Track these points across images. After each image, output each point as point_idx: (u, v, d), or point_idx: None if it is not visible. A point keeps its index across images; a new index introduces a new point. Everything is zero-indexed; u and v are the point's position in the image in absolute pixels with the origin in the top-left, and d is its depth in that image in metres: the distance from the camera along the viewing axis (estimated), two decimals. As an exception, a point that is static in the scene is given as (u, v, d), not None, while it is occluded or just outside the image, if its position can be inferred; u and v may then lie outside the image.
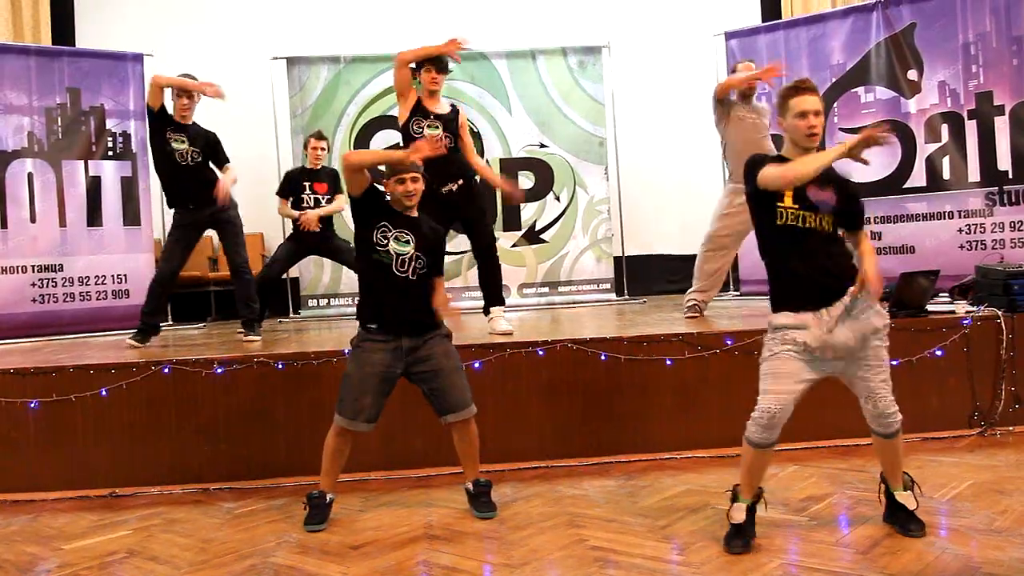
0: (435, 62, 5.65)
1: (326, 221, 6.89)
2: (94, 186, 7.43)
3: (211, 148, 6.23)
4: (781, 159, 3.55)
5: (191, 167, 6.13)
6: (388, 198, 4.15)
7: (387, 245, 4.01)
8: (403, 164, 4.02)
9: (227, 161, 6.33)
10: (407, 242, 4.03)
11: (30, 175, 7.18)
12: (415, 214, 4.14)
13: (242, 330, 6.30)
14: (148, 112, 6.12)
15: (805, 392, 3.45)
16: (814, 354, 3.42)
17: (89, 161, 7.43)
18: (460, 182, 5.70)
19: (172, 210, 6.28)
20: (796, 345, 3.41)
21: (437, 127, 5.63)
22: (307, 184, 6.92)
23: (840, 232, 3.54)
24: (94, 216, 7.40)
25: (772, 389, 3.41)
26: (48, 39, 8.73)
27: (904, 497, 3.57)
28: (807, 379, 3.44)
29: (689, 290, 6.49)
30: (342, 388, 4.04)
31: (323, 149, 7.04)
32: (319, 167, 6.98)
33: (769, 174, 3.43)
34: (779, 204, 3.44)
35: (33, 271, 7.14)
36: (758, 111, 6.24)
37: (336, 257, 7.10)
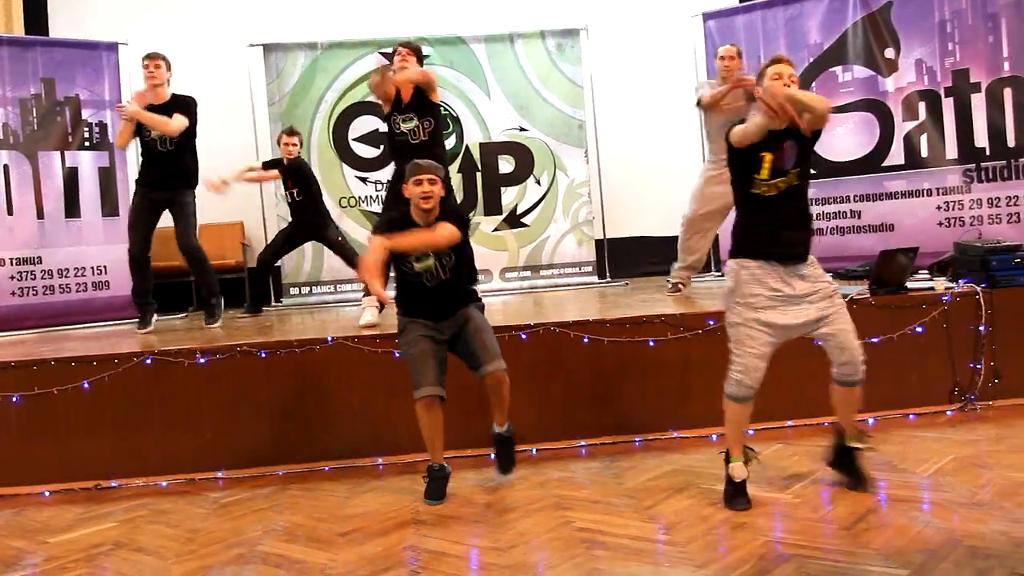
0: (415, 49, 5.78)
1: (321, 211, 7.13)
2: (71, 177, 7.36)
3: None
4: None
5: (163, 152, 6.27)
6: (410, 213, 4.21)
7: (412, 266, 4.16)
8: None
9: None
10: (427, 256, 4.15)
11: (6, 167, 7.10)
12: (434, 217, 4.16)
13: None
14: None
15: (775, 349, 3.73)
16: (776, 304, 3.68)
17: (66, 152, 7.36)
18: None
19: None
20: (760, 324, 3.68)
21: (411, 118, 5.67)
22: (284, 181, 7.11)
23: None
24: (72, 207, 7.34)
25: (743, 352, 3.70)
26: (21, 29, 8.62)
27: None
28: (774, 343, 3.71)
29: (673, 267, 6.59)
30: (410, 369, 4.16)
31: (294, 144, 7.04)
32: (291, 160, 7.01)
33: (736, 130, 3.74)
34: (756, 177, 3.71)
35: (12, 264, 7.07)
36: (736, 95, 6.25)
37: (332, 248, 7.14)
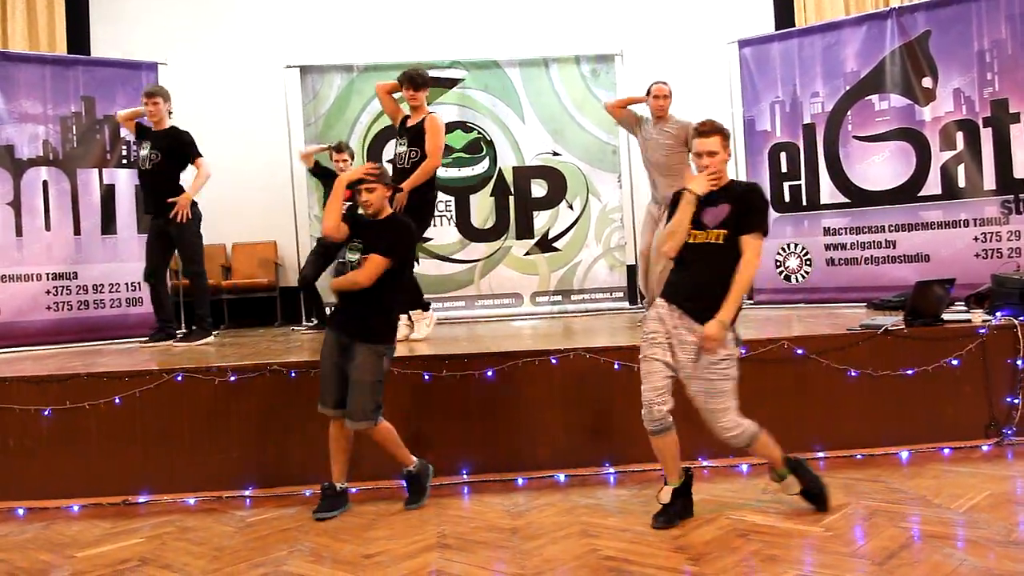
0: (409, 80, 5.95)
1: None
2: (108, 194, 7.46)
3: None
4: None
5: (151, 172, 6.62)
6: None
7: (345, 255, 4.36)
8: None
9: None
10: (357, 248, 4.29)
11: (45, 183, 7.22)
12: (383, 216, 4.36)
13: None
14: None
15: (673, 381, 3.84)
16: (670, 343, 3.84)
17: (103, 169, 7.47)
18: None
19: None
20: (655, 344, 3.83)
21: (404, 143, 5.96)
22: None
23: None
24: (108, 224, 7.44)
25: (646, 385, 3.81)
26: (63, 48, 8.78)
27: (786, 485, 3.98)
28: (671, 373, 3.84)
29: (646, 306, 6.72)
30: None
31: (344, 160, 7.20)
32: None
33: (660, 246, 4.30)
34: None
35: (48, 279, 7.17)
36: (666, 132, 6.47)
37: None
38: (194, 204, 6.55)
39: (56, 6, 8.91)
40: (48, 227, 7.20)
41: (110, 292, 7.37)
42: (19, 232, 7.08)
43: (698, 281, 3.83)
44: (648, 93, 6.63)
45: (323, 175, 7.41)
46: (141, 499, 4.70)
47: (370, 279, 4.18)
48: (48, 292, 7.15)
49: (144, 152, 6.62)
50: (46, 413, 4.78)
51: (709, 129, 3.89)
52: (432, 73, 8.06)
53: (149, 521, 4.37)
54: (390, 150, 8.19)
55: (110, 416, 4.80)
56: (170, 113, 6.72)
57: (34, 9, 8.82)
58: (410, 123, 6.00)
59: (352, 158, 7.38)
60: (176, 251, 6.71)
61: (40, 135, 7.23)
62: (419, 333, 6.13)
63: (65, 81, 7.38)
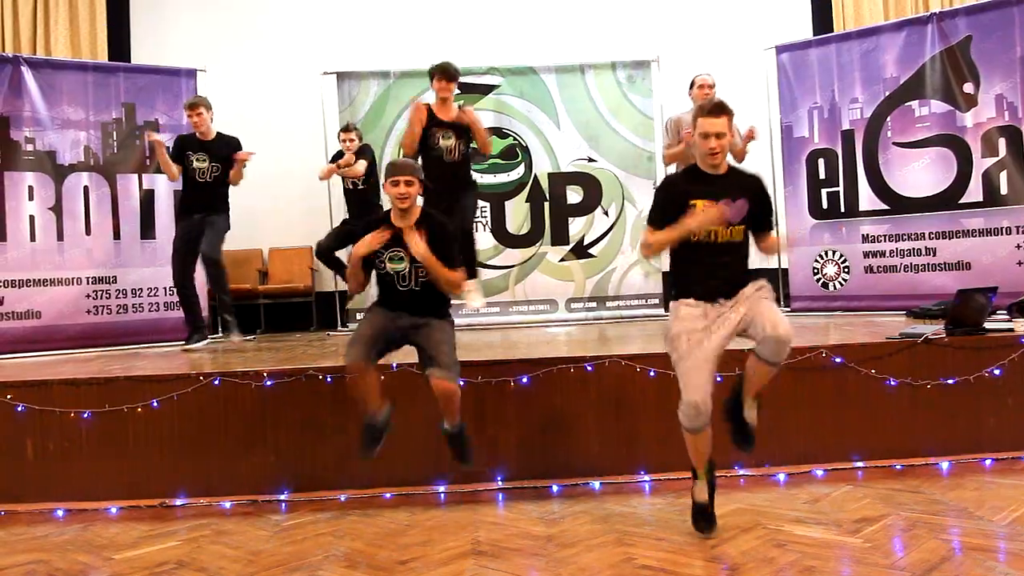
0: (442, 72, 6.10)
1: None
2: (147, 199, 7.54)
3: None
4: (692, 173, 3.88)
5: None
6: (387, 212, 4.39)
7: (384, 267, 4.26)
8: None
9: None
10: (400, 259, 4.23)
11: (86, 188, 7.31)
12: (413, 219, 4.28)
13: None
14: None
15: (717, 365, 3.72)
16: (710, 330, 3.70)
17: (143, 175, 7.54)
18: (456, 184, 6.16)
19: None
20: (696, 342, 3.67)
21: (450, 136, 6.04)
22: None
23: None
24: (147, 229, 7.51)
25: (693, 383, 3.64)
26: (105, 55, 8.91)
27: (750, 415, 3.90)
28: (717, 356, 3.69)
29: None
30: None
31: (351, 140, 7.44)
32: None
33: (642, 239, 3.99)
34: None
35: (88, 283, 7.26)
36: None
37: None
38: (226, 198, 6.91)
39: (98, 14, 9.04)
40: (88, 231, 7.29)
41: (148, 296, 7.45)
42: (60, 236, 7.17)
43: (734, 283, 3.77)
44: (692, 86, 6.64)
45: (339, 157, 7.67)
46: (178, 502, 4.73)
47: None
48: (88, 296, 7.24)
49: (202, 165, 6.77)
50: (85, 416, 4.83)
51: (718, 109, 3.76)
52: (468, 79, 8.12)
53: (185, 524, 4.40)
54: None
55: (148, 419, 4.84)
56: (212, 118, 6.86)
57: (76, 18, 8.96)
58: (448, 117, 6.10)
59: (360, 138, 7.56)
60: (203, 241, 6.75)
61: (81, 141, 7.32)
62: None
63: (106, 88, 7.48)
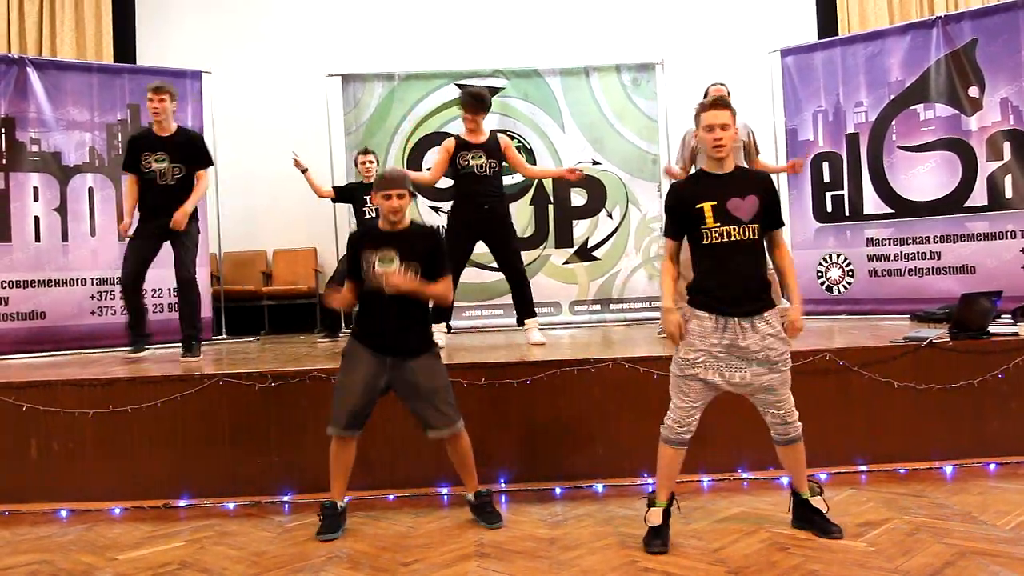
0: (461, 104, 6.25)
1: None
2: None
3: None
4: (698, 177, 3.88)
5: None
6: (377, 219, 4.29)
7: (375, 267, 4.09)
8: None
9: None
10: (391, 260, 4.08)
11: (91, 189, 7.32)
12: (403, 226, 4.17)
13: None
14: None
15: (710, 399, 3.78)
16: (718, 360, 3.70)
17: (148, 177, 7.53)
18: (490, 203, 6.19)
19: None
20: (697, 364, 3.70)
21: (481, 156, 6.11)
22: (366, 198, 7.29)
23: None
24: (152, 230, 7.49)
25: (683, 402, 3.74)
26: (110, 57, 8.93)
27: (817, 502, 3.84)
28: (712, 394, 3.76)
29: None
30: (333, 396, 4.18)
31: (371, 162, 7.43)
32: (371, 180, 7.19)
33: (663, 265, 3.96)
34: (703, 227, 3.72)
35: (92, 284, 7.27)
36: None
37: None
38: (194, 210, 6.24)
39: (103, 16, 9.07)
40: (93, 232, 7.31)
41: (153, 297, 7.44)
42: (65, 237, 7.18)
43: (748, 285, 3.71)
44: (706, 96, 6.66)
45: (347, 197, 7.59)
46: (181, 503, 4.74)
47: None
48: (92, 297, 7.25)
49: (161, 165, 6.09)
50: (89, 416, 4.83)
51: (722, 102, 3.76)
52: (472, 82, 8.14)
53: (189, 525, 4.41)
54: (432, 158, 8.28)
55: (152, 420, 4.85)
56: (173, 112, 6.25)
57: (82, 19, 8.99)
58: (478, 139, 6.18)
59: (377, 162, 7.58)
60: (177, 255, 6.21)
61: (86, 142, 7.34)
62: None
63: (111, 89, 7.50)
